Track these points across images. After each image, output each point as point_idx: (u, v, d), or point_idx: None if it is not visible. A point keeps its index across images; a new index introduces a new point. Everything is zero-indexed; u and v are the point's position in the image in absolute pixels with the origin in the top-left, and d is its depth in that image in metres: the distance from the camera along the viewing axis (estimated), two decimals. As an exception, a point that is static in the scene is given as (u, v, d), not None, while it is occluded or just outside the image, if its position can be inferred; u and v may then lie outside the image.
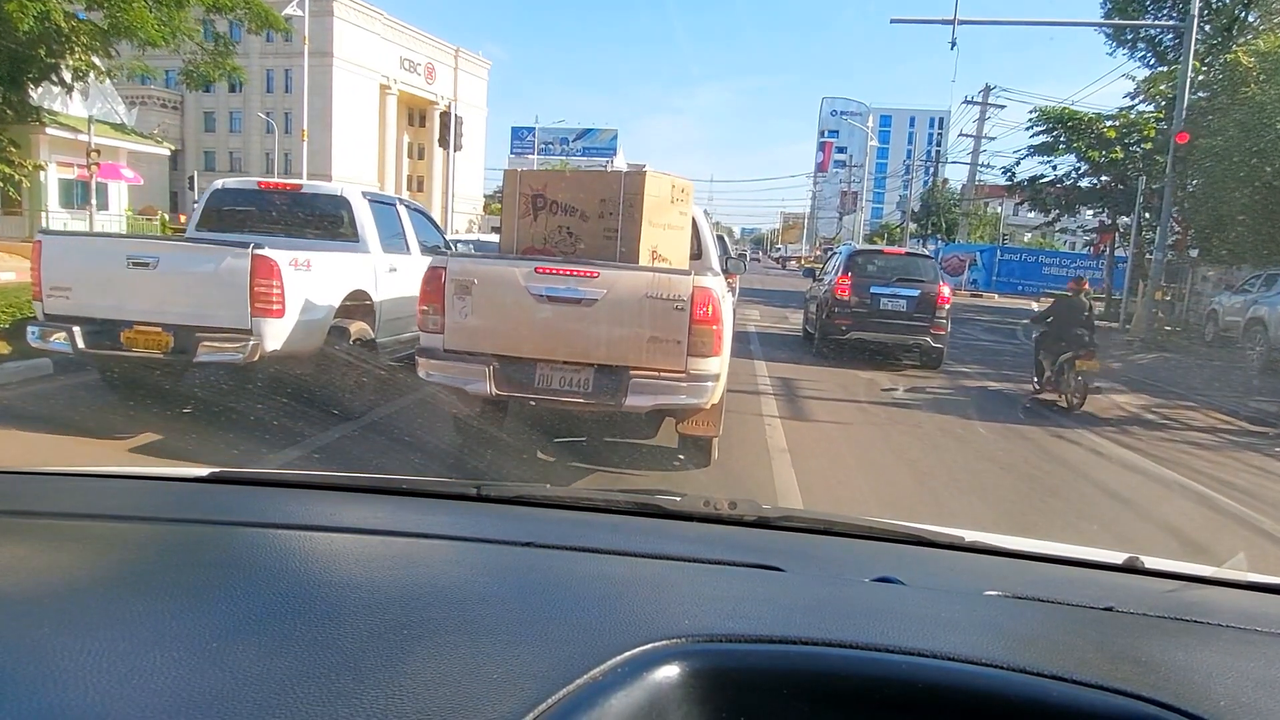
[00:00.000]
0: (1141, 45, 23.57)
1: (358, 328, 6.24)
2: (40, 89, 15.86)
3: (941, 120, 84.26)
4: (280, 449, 5.13)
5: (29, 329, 5.57)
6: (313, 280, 5.72)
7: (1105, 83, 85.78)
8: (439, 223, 10.05)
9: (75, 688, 0.63)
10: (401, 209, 7.70)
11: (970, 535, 1.32)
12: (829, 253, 21.26)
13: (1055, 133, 24.73)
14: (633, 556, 1.08)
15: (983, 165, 39.37)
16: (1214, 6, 20.48)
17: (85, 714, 0.61)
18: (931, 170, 51.15)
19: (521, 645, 0.74)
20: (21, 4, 11.46)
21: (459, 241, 14.28)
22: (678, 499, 1.35)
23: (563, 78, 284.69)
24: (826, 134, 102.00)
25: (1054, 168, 26.12)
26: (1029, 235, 57.16)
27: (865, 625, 0.84)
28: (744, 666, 0.74)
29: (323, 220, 6.92)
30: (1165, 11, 22.07)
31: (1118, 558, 1.27)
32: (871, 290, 11.46)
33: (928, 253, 18.10)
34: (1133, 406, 9.94)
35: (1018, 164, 27.17)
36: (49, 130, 20.63)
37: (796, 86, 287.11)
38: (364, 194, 7.10)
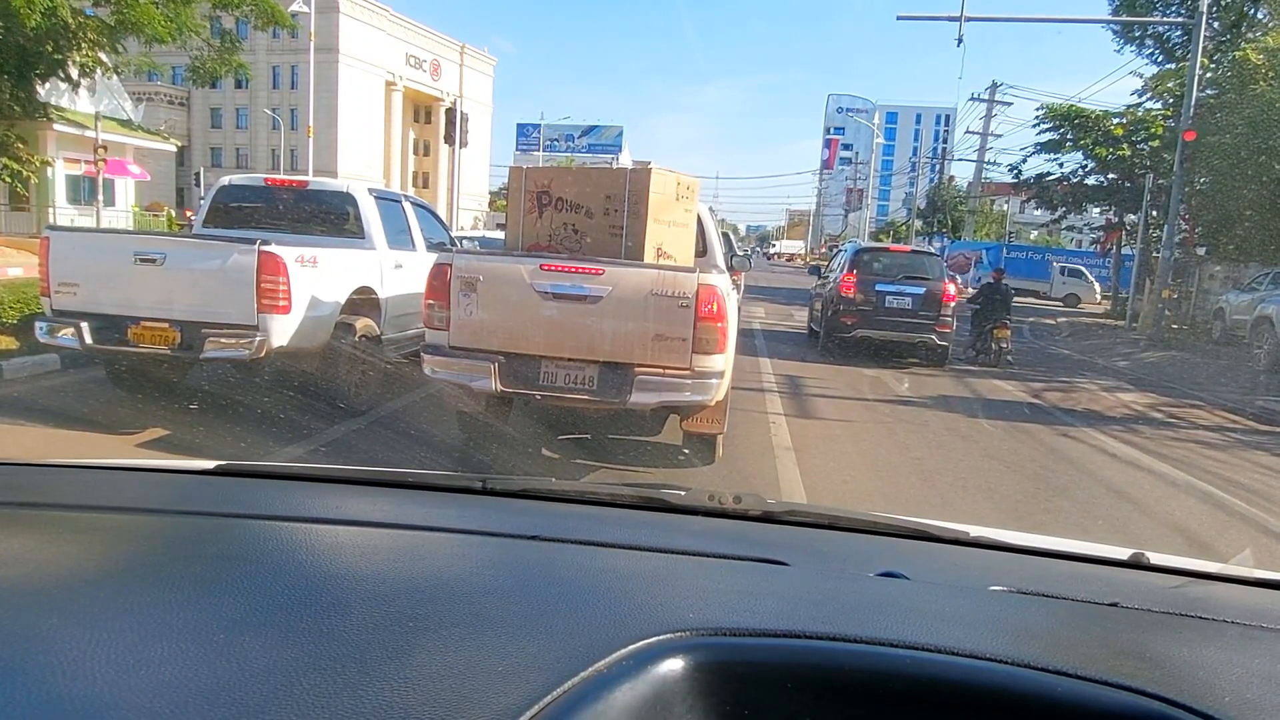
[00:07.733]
0: (1150, 42, 23.42)
1: (364, 324, 6.25)
2: (48, 85, 15.94)
3: (948, 117, 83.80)
4: (286, 444, 5.15)
5: (37, 324, 5.60)
6: (319, 277, 5.73)
7: (1113, 80, 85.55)
8: (444, 219, 10.05)
9: (83, 678, 0.64)
10: (407, 205, 7.71)
11: (975, 530, 1.32)
12: (834, 250, 21.21)
13: (1062, 130, 24.57)
14: (637, 550, 1.08)
15: (989, 162, 39.10)
16: (1223, 3, 20.34)
17: (93, 704, 0.61)
18: (937, 167, 50.90)
19: (526, 638, 0.74)
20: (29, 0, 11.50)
21: (464, 238, 14.30)
22: (682, 493, 1.35)
23: (570, 74, 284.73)
24: (832, 131, 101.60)
25: (1061, 165, 26.00)
26: (1035, 233, 56.92)
27: (870, 620, 0.84)
28: (748, 660, 0.74)
29: (329, 217, 6.93)
30: (1174, 8, 21.92)
31: (1123, 553, 1.26)
32: (877, 288, 11.44)
33: (933, 250, 18.04)
34: (1140, 405, 9.91)
35: (1024, 161, 27.03)
36: (56, 126, 20.68)
37: (803, 84, 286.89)
38: (370, 190, 7.11)
